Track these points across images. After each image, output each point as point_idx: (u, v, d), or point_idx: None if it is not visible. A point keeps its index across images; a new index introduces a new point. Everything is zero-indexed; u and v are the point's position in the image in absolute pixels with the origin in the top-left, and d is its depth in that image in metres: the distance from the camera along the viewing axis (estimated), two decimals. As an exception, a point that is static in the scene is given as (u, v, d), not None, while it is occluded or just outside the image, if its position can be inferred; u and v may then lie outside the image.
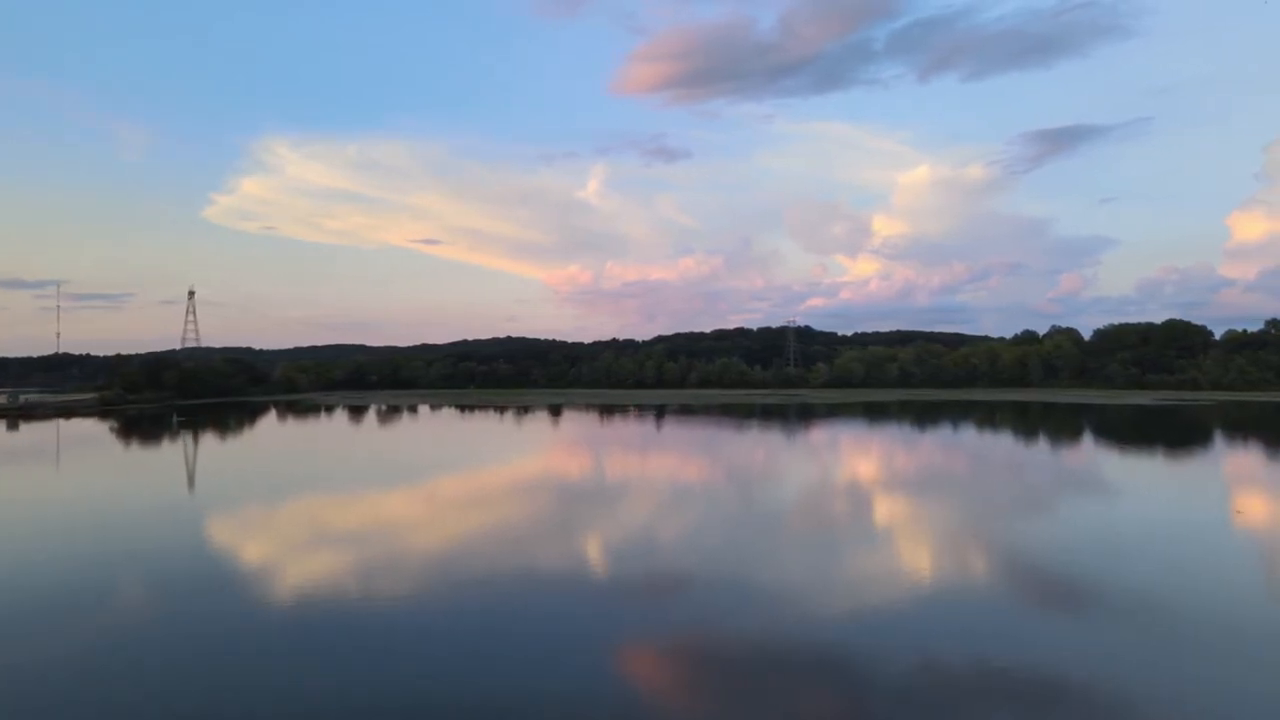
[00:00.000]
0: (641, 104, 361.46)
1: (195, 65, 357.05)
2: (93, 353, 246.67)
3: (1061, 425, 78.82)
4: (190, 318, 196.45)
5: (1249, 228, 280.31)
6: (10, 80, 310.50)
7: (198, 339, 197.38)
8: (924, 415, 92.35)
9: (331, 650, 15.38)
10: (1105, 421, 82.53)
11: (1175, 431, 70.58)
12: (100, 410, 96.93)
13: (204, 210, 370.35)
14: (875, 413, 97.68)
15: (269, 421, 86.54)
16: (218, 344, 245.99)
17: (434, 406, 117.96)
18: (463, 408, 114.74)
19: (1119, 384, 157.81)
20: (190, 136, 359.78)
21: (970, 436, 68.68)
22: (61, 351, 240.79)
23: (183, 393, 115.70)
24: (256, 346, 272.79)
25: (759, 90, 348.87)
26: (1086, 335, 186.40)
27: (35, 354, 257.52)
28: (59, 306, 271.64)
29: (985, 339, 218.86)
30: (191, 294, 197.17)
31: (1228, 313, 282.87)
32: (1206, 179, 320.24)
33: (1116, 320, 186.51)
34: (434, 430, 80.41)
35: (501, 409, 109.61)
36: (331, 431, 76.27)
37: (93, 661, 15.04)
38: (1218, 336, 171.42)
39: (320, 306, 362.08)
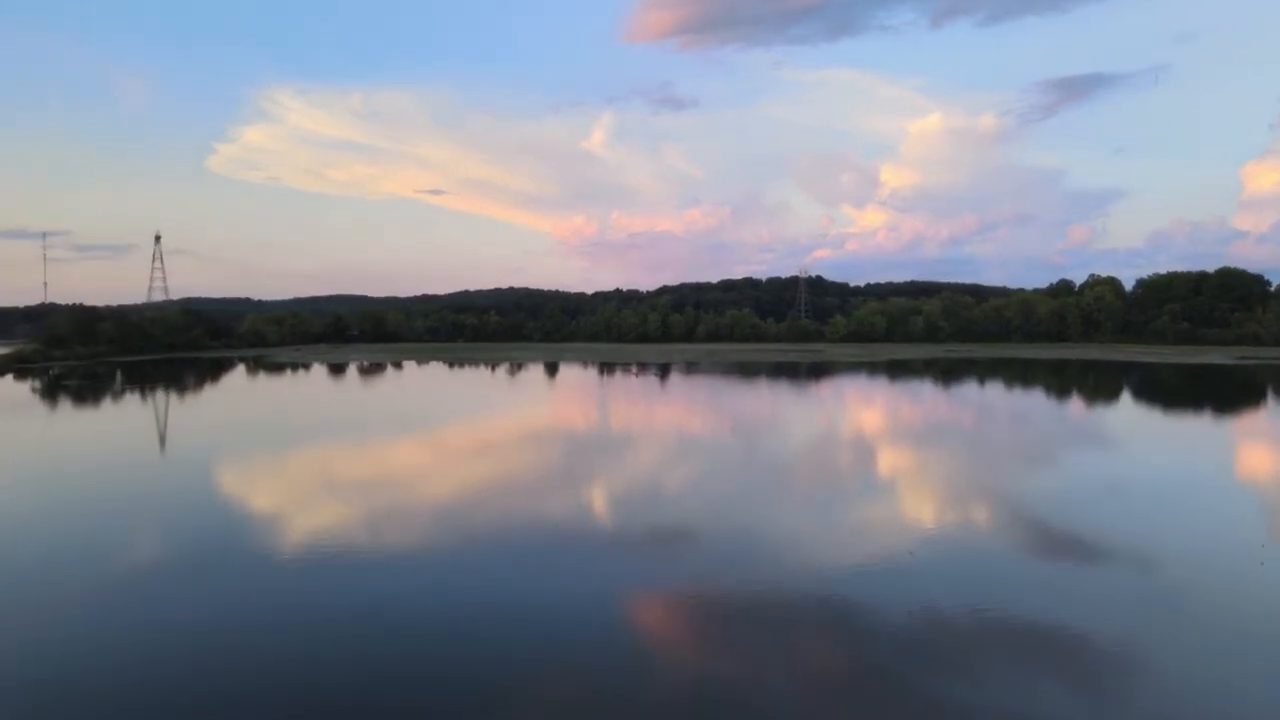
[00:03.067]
0: (650, 51, 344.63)
1: (196, 12, 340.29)
2: (83, 303, 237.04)
3: (1182, 395, 64.96)
4: (157, 264, 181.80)
5: (1263, 179, 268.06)
6: (8, 29, 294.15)
7: (165, 289, 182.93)
8: (985, 376, 78.50)
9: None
10: (1219, 388, 68.66)
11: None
12: (14, 369, 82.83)
13: (207, 160, 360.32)
14: (922, 374, 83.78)
15: (215, 382, 72.77)
16: (217, 294, 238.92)
17: (420, 362, 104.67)
18: (452, 364, 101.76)
19: (1170, 339, 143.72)
20: (192, 84, 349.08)
21: (1070, 413, 54.91)
22: (49, 301, 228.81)
23: (124, 348, 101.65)
24: (256, 298, 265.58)
25: (769, 37, 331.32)
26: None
27: (24, 304, 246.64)
28: (45, 256, 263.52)
29: (1004, 290, 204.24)
30: (158, 239, 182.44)
31: (1238, 266, 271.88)
32: (1222, 129, 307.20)
33: (1128, 273, 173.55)
34: (393, 395, 66.68)
35: (492, 365, 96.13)
36: (265, 398, 62.50)
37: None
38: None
39: (323, 258, 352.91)
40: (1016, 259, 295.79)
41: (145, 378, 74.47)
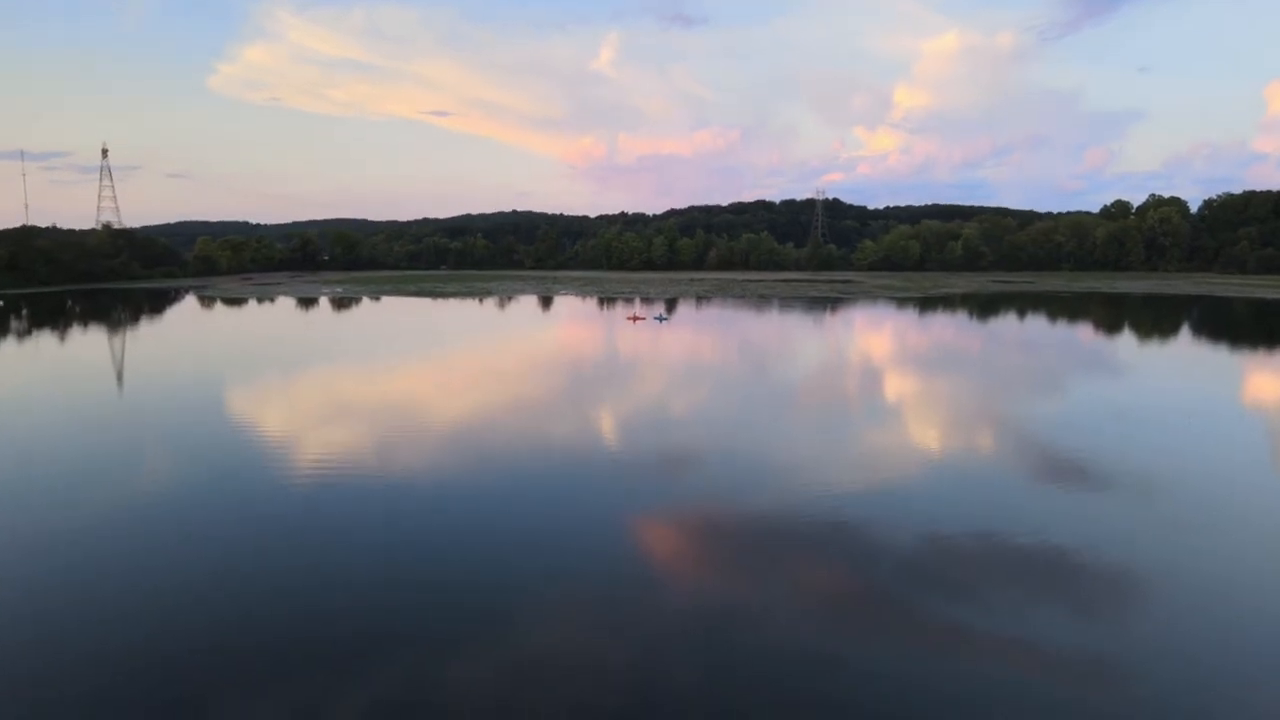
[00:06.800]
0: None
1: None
2: (61, 225, 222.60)
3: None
4: (106, 182, 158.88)
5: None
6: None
7: (117, 213, 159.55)
8: (1077, 316, 61.49)
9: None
10: None
11: None
12: None
13: (208, 79, 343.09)
14: (997, 312, 66.63)
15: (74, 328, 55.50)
16: (215, 218, 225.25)
17: (375, 299, 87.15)
18: (436, 296, 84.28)
19: (1251, 268, 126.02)
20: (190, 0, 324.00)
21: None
22: (30, 224, 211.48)
23: (24, 277, 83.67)
24: (255, 221, 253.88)
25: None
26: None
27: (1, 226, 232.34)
28: (24, 175, 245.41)
29: (1031, 214, 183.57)
30: (105, 153, 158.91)
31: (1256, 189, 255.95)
32: (1248, 47, 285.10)
33: (1140, 198, 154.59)
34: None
35: (470, 298, 78.83)
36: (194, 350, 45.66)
37: None
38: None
39: (325, 181, 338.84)
40: (1029, 182, 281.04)
41: (52, 318, 57.27)
